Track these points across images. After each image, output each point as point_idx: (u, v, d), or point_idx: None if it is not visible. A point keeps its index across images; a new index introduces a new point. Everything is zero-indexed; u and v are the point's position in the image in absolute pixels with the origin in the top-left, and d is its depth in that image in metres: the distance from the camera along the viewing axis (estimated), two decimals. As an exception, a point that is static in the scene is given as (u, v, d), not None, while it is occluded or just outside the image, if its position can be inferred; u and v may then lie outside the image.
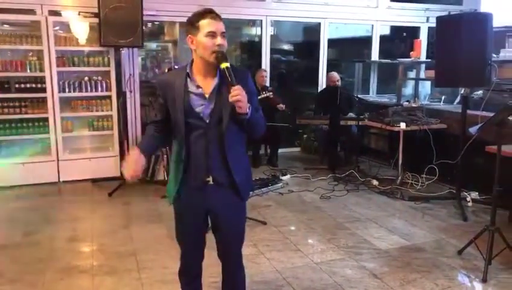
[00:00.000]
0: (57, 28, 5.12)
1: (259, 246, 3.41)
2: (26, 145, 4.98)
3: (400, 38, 7.68)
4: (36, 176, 4.94)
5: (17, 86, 4.86)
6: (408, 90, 6.97)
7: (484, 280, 2.88)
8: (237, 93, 1.75)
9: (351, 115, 5.68)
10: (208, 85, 1.89)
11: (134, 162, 1.89)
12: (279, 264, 3.11)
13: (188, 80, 1.90)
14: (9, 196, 4.63)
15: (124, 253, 3.31)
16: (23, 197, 4.60)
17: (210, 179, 1.93)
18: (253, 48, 6.78)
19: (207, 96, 1.88)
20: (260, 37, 6.45)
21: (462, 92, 4.36)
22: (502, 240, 3.01)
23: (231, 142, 1.91)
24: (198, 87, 1.89)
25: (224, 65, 1.80)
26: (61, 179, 5.09)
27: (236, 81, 1.79)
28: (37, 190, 4.79)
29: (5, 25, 5.08)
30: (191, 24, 1.86)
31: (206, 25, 1.82)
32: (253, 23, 6.64)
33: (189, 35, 1.88)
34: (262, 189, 4.77)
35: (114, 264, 3.13)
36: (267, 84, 6.14)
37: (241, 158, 1.99)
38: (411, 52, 6.48)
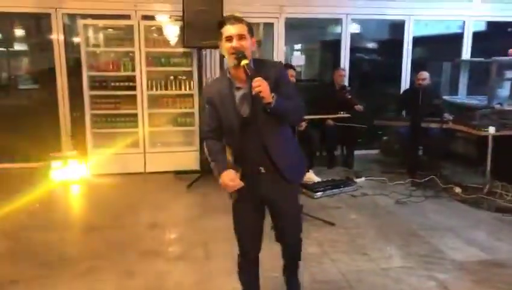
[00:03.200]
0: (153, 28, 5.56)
1: (324, 246, 3.40)
2: (118, 138, 5.50)
3: (500, 35, 7.00)
4: (125, 166, 5.44)
5: (112, 84, 5.40)
6: (505, 91, 6.34)
7: None
8: (257, 85, 1.87)
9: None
10: (244, 85, 2.04)
11: (232, 181, 2.06)
12: (343, 266, 3.08)
13: (231, 85, 2.08)
14: (102, 183, 5.17)
15: (197, 241, 3.52)
16: (114, 185, 5.11)
17: (262, 168, 2.11)
18: (337, 47, 6.67)
19: (243, 95, 2.05)
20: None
21: None
22: None
23: (270, 132, 2.07)
24: (238, 89, 2.06)
25: (243, 62, 1.94)
26: (147, 170, 5.54)
27: (262, 73, 1.94)
28: (126, 179, 5.27)
29: (109, 29, 5.64)
30: (218, 32, 2.04)
31: (224, 31, 2.01)
32: (336, 21, 6.56)
33: (219, 42, 2.06)
34: (333, 190, 4.72)
35: (186, 251, 3.36)
36: (346, 83, 6.03)
37: (284, 144, 2.14)
38: (510, 50, 5.89)
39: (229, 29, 1.98)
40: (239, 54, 1.95)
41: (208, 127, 2.17)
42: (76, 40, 5.70)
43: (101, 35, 5.55)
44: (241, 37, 1.98)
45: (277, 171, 2.10)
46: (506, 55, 5.85)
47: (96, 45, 5.54)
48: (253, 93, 1.90)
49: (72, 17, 5.72)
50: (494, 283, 2.87)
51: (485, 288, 2.81)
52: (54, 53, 5.58)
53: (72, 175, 5.19)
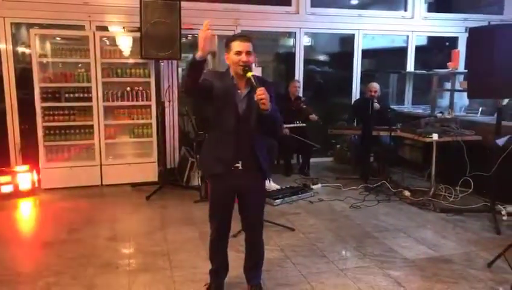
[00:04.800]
0: (105, 39, 5.50)
1: (286, 251, 3.51)
2: (73, 150, 5.37)
3: (439, 49, 7.56)
4: (81, 179, 5.30)
5: (66, 95, 5.26)
6: (445, 101, 6.84)
7: (512, 294, 2.83)
8: (261, 93, 2.26)
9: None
10: (243, 90, 2.45)
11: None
12: (304, 269, 3.20)
13: (235, 84, 2.45)
14: (56, 197, 4.99)
15: (158, 253, 3.50)
16: (69, 198, 4.95)
17: (239, 164, 2.48)
18: (289, 59, 6.90)
19: (242, 98, 2.44)
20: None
21: (504, 103, 4.26)
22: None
23: (256, 136, 2.49)
24: (238, 89, 2.45)
25: (249, 74, 2.34)
26: (103, 183, 5.42)
27: (260, 85, 2.31)
28: (82, 192, 5.14)
29: (58, 38, 5.50)
30: (226, 45, 2.46)
31: (235, 45, 2.40)
32: (289, 34, 6.80)
33: (225, 53, 2.46)
34: (292, 197, 4.86)
35: (148, 263, 3.33)
36: (300, 94, 6.25)
37: (263, 146, 2.56)
38: (448, 63, 6.38)
39: (240, 46, 2.37)
40: (246, 67, 2.35)
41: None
42: (26, 50, 5.51)
43: (53, 46, 5.39)
44: (248, 53, 2.37)
45: (255, 167, 2.50)
46: (446, 67, 6.33)
47: (48, 55, 5.38)
48: (256, 99, 2.26)
49: (22, 26, 5.53)
50: (442, 277, 3.10)
51: (433, 282, 3.03)
52: (2, 63, 5.36)
53: (22, 190, 4.97)
